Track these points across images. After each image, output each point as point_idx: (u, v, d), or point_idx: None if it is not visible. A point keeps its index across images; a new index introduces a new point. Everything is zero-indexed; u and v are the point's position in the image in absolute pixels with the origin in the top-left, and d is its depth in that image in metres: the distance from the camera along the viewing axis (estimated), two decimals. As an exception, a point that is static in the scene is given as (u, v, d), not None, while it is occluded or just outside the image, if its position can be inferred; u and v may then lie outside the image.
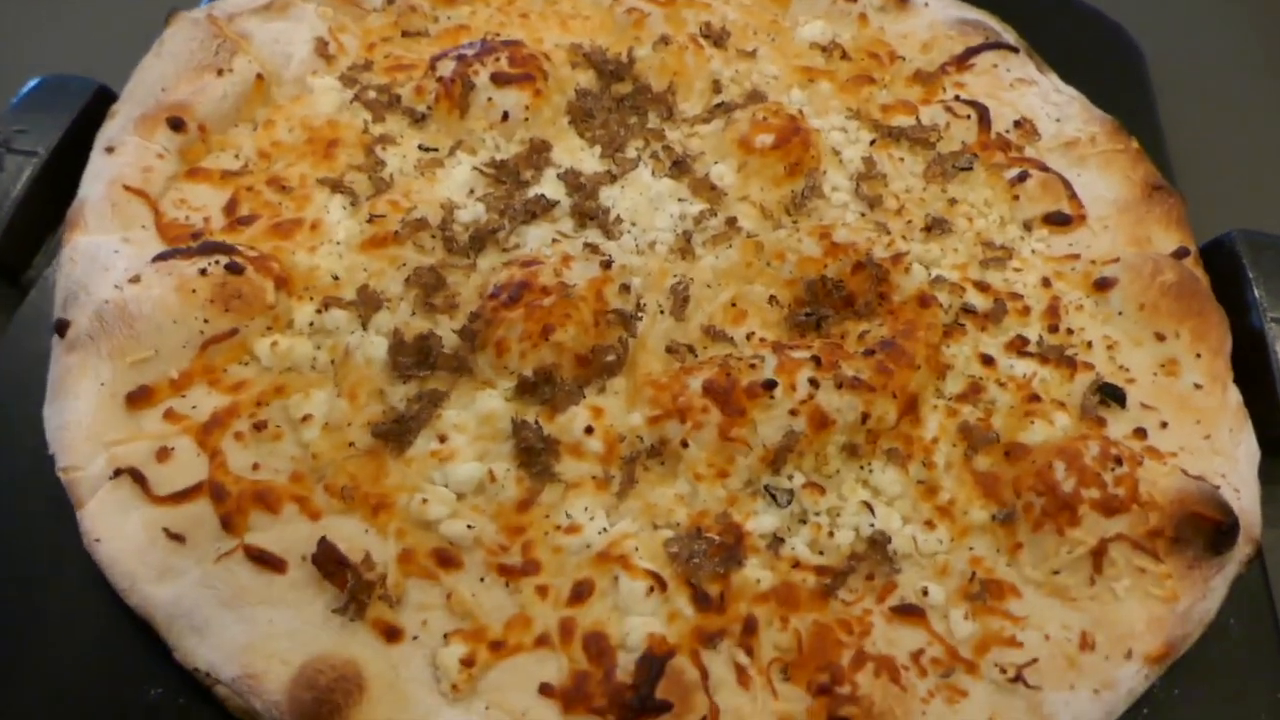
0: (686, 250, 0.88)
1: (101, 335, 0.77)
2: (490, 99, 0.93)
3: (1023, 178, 0.94)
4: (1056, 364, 0.82)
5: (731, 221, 0.90)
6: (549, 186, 0.91)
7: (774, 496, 0.74)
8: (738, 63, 1.03)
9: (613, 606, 0.69)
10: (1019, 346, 0.83)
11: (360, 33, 1.03)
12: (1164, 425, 0.79)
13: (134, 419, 0.75)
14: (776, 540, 0.72)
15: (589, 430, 0.76)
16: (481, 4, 1.06)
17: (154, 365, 0.77)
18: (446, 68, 0.95)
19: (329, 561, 0.69)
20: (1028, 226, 0.93)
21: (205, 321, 0.78)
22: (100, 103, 0.95)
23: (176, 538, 0.70)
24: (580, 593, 0.69)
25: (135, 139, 0.89)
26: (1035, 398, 0.80)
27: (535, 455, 0.74)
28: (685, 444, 0.75)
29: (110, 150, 0.89)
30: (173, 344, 0.78)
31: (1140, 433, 0.79)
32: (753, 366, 0.77)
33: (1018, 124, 1.00)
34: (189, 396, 0.77)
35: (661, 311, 0.83)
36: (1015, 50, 1.07)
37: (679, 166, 0.94)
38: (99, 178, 0.87)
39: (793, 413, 0.75)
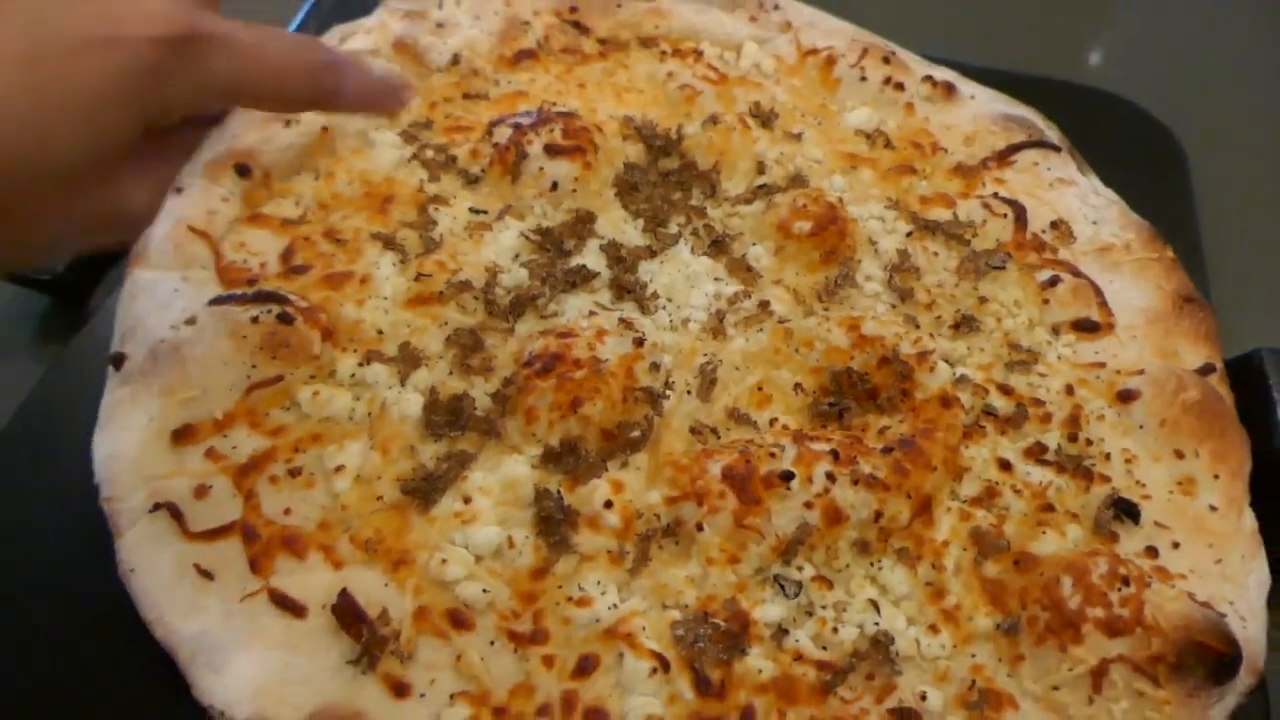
0: (718, 330, 0.90)
1: (154, 372, 0.81)
2: (542, 168, 0.96)
3: (1054, 281, 0.96)
4: (1073, 474, 0.83)
5: (764, 305, 0.92)
6: (591, 257, 0.94)
7: (782, 587, 0.76)
8: (783, 144, 1.06)
9: (615, 684, 0.71)
10: (1037, 454, 0.85)
11: (423, 90, 1.06)
12: (1176, 546, 0.80)
13: (177, 455, 0.79)
14: (781, 631, 0.74)
15: (608, 504, 0.78)
16: (542, 71, 1.10)
17: (200, 404, 0.80)
18: (503, 134, 0.98)
19: (347, 614, 0.71)
20: (1056, 330, 0.94)
21: (253, 367, 0.82)
22: (172, 140, 1.00)
23: (206, 574, 0.73)
24: (585, 666, 0.71)
25: (203, 181, 0.93)
26: (1049, 507, 0.81)
27: (554, 525, 0.77)
28: (700, 527, 0.77)
29: (179, 190, 0.92)
30: (220, 386, 0.81)
31: (1151, 551, 0.80)
32: (772, 455, 0.79)
33: (1054, 225, 1.02)
34: (230, 437, 0.80)
35: (689, 392, 0.86)
36: (1058, 149, 1.08)
37: (718, 245, 0.96)
38: (166, 216, 0.90)
39: (808, 505, 0.77)
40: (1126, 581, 0.74)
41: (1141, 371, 0.90)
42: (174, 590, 0.73)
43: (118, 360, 0.82)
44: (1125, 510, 0.81)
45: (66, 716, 0.71)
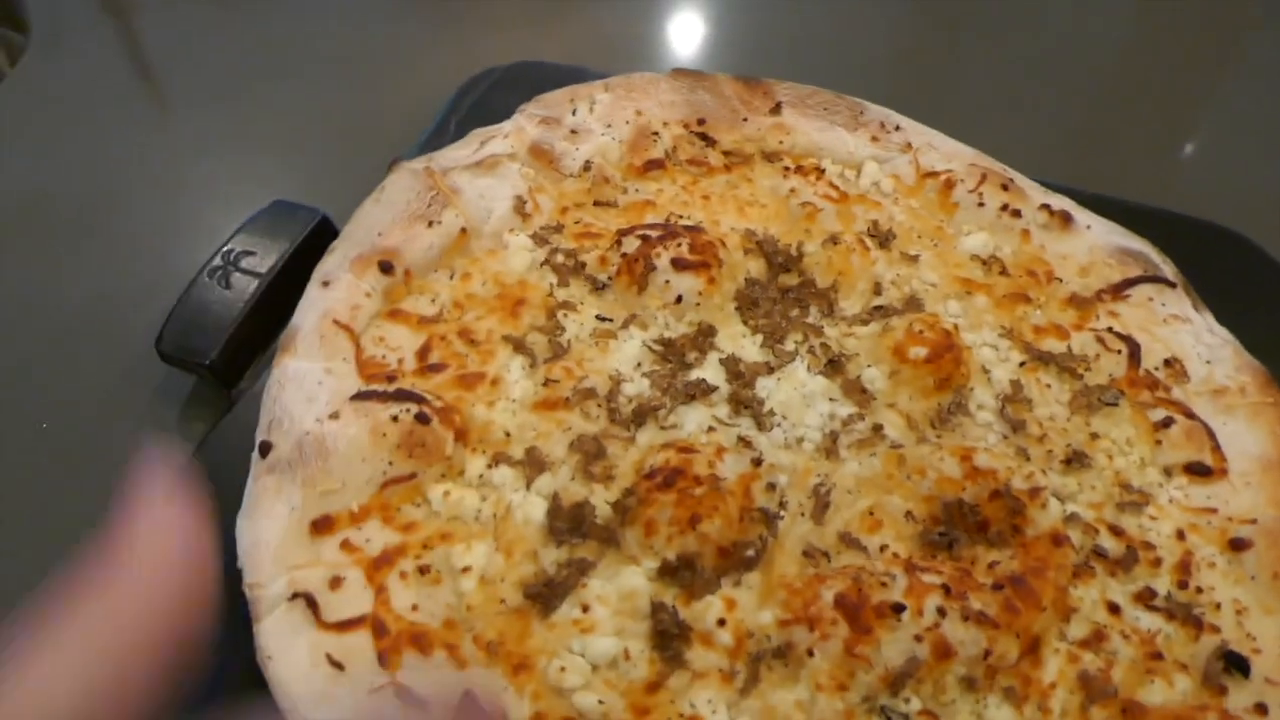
0: (831, 451, 0.93)
1: (299, 463, 0.86)
2: (668, 281, 1.00)
3: (1168, 423, 0.96)
4: (1183, 622, 0.84)
5: (878, 428, 0.94)
6: (710, 370, 0.97)
7: (889, 718, 0.77)
8: (900, 266, 1.08)
9: (726, 804, 0.73)
10: (1147, 599, 0.85)
11: (556, 195, 1.12)
12: (1287, 706, 0.80)
13: (315, 545, 0.83)
14: (887, 764, 0.75)
15: (721, 622, 0.80)
16: (668, 181, 1.14)
17: (339, 497, 0.85)
18: (631, 245, 1.02)
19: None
20: (1168, 472, 0.95)
21: (390, 464, 0.86)
22: (320, 232, 1.06)
23: (337, 665, 0.77)
24: (696, 785, 0.73)
25: (349, 276, 0.99)
26: (1158, 655, 0.82)
27: (669, 639, 0.79)
28: (811, 652, 0.79)
29: (326, 284, 0.98)
30: (358, 480, 0.86)
31: (1261, 709, 0.79)
32: (884, 584, 0.81)
33: (1168, 363, 1.02)
34: (364, 530, 0.84)
35: (802, 513, 0.88)
36: (1173, 285, 1.09)
37: (833, 365, 0.99)
38: (313, 308, 0.97)
39: (918, 638, 0.78)
40: (1238, 743, 0.74)
41: (1254, 521, 0.90)
42: (307, 680, 0.77)
43: (265, 449, 0.88)
44: (1235, 663, 0.81)
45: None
